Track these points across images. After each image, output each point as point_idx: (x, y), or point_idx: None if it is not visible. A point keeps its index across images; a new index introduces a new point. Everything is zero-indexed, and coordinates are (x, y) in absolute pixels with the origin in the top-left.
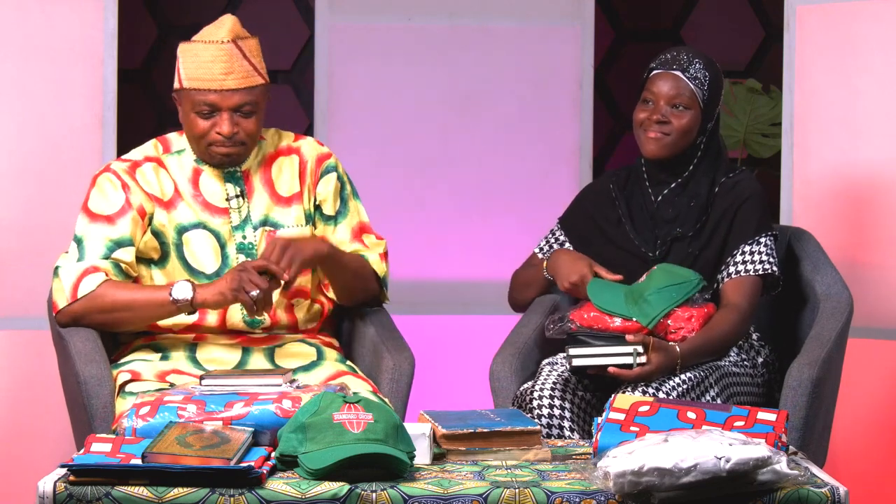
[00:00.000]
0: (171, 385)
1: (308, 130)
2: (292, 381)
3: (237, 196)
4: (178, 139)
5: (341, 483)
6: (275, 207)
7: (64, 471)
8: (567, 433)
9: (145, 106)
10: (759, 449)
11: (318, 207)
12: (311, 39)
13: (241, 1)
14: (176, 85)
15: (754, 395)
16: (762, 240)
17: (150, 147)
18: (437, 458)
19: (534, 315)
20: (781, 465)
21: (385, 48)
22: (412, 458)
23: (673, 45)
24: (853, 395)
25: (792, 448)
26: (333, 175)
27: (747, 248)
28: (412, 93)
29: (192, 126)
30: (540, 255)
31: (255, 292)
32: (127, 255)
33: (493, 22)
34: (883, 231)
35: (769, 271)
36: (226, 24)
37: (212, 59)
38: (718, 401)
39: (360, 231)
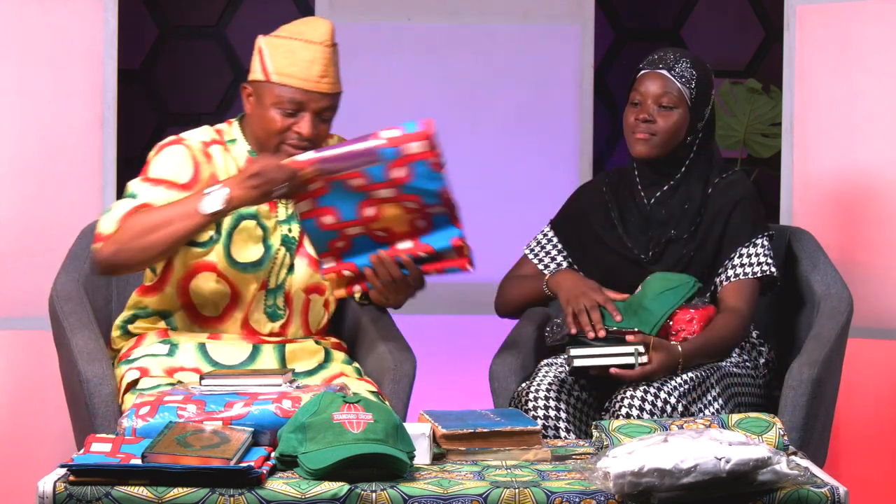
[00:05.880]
0: (179, 382)
1: None
2: (292, 381)
3: None
4: (228, 129)
5: (341, 483)
6: None
7: (64, 471)
8: (563, 433)
9: (145, 106)
10: (759, 449)
11: None
12: None
13: (241, 1)
14: (258, 76)
15: (755, 397)
16: (758, 241)
17: (212, 131)
18: (437, 458)
19: (533, 316)
20: (781, 465)
21: (385, 48)
22: (412, 458)
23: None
24: (853, 395)
25: (792, 448)
26: None
27: (744, 251)
28: (412, 93)
29: (269, 121)
30: (531, 256)
31: (282, 190)
32: None
33: (493, 22)
34: (883, 231)
35: (767, 272)
36: (324, 26)
37: (311, 58)
38: (720, 401)
39: None
